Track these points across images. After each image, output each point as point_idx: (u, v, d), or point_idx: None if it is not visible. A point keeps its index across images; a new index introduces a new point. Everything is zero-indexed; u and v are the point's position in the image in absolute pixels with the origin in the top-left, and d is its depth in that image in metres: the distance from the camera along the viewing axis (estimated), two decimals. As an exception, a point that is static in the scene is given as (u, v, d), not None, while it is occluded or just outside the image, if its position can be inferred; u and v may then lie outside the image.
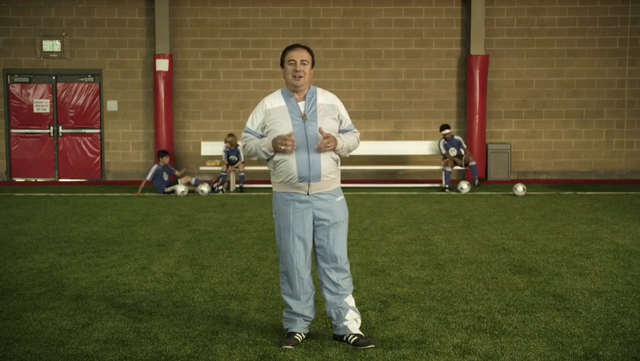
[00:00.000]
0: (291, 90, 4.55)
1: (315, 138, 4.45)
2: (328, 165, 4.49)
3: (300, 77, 4.48)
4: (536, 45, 16.55)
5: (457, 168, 14.74)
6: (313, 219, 4.54)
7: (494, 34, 16.49)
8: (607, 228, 9.15)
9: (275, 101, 4.55)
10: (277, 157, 4.48)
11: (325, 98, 4.58)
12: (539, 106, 16.65)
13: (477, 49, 16.10)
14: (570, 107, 16.66)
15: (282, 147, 4.37)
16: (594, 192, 13.60)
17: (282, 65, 4.58)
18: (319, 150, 4.43)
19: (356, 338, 4.52)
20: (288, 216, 4.54)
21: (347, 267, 4.63)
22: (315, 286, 4.84)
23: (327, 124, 4.49)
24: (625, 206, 11.42)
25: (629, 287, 5.98)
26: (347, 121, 4.66)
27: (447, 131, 14.63)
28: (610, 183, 15.84)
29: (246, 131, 4.62)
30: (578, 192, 13.55)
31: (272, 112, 4.52)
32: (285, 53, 4.57)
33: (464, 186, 13.74)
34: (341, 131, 4.63)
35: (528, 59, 16.57)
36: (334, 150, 4.49)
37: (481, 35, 16.13)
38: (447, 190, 14.01)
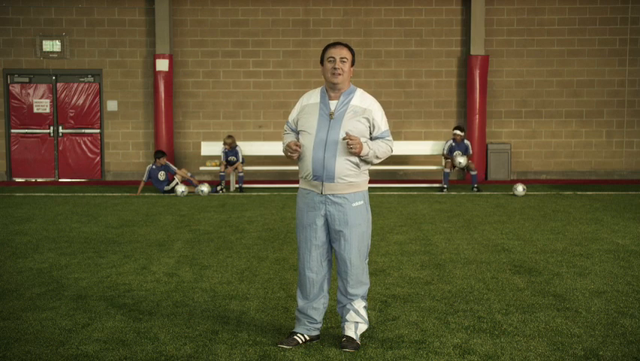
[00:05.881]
0: (329, 88, 4.53)
1: (336, 139, 4.40)
2: (343, 168, 4.41)
3: (339, 74, 4.45)
4: (536, 45, 16.54)
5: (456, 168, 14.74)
6: (327, 221, 4.51)
7: (494, 34, 16.49)
8: (607, 228, 9.15)
9: (312, 97, 4.58)
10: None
11: (361, 101, 4.50)
12: (539, 106, 16.65)
13: (477, 49, 16.10)
14: (570, 107, 16.65)
15: (289, 155, 4.50)
16: (594, 192, 13.60)
17: (322, 62, 4.55)
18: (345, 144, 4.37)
19: (344, 338, 4.52)
20: (302, 213, 4.55)
21: (359, 272, 4.53)
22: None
23: (351, 125, 4.41)
24: (625, 206, 11.42)
25: (629, 287, 5.98)
26: (381, 128, 4.52)
27: (458, 132, 14.49)
28: (610, 183, 15.83)
29: (287, 124, 4.69)
30: (578, 192, 13.55)
31: (306, 108, 4.56)
32: (325, 50, 4.55)
33: (461, 160, 14.22)
34: (373, 138, 4.52)
35: (528, 59, 16.57)
36: (359, 154, 4.40)
37: (481, 35, 16.13)
38: (445, 190, 13.99)
